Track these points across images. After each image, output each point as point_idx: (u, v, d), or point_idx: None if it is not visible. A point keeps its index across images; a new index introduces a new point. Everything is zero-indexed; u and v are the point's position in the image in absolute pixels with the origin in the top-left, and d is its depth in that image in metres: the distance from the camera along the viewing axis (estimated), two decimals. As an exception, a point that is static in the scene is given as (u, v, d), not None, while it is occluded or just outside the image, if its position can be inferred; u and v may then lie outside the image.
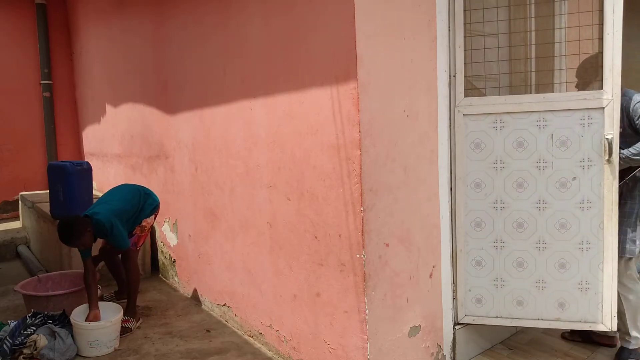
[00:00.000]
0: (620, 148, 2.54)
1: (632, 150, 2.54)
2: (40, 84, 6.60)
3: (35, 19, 6.53)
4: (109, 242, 3.37)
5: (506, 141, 2.65)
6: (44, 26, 6.56)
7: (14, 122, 6.48)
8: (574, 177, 2.58)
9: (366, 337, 2.30)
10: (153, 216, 3.60)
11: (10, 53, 6.47)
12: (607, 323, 2.63)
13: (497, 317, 2.76)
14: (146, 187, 3.79)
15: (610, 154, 2.50)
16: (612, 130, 2.50)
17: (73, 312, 3.10)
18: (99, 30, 5.68)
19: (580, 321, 2.66)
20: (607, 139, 2.49)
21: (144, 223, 3.49)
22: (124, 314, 3.26)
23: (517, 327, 3.10)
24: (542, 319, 2.70)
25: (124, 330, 3.23)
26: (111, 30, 5.26)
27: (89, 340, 2.96)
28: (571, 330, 3.00)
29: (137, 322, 3.41)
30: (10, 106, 6.45)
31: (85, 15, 6.18)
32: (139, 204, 3.50)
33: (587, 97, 2.53)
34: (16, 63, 6.50)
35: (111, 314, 3.13)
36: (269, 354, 2.96)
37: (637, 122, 2.56)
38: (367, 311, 2.29)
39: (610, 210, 2.55)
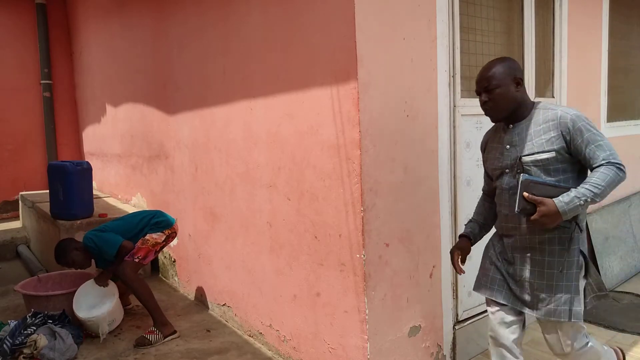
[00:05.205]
0: (551, 185, 1.80)
1: (593, 190, 1.73)
2: (40, 83, 6.61)
3: (35, 19, 6.54)
4: (106, 257, 3.30)
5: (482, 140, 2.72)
6: (44, 26, 6.56)
7: (14, 121, 6.49)
8: None
9: (366, 337, 2.30)
10: (162, 234, 3.37)
11: (10, 53, 6.47)
12: None
13: (484, 304, 2.79)
14: (161, 210, 3.67)
15: None
16: None
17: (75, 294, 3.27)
18: (99, 30, 5.69)
19: None
20: None
21: (147, 237, 3.32)
22: (153, 325, 3.21)
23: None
24: None
25: (142, 342, 3.11)
26: (111, 29, 5.27)
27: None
28: None
29: (162, 335, 3.16)
30: (10, 106, 6.46)
31: (85, 14, 6.18)
32: (140, 221, 3.40)
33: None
34: (16, 63, 6.51)
35: (106, 298, 3.34)
36: (269, 353, 2.96)
37: (585, 149, 1.80)
38: (367, 311, 2.29)
39: None
